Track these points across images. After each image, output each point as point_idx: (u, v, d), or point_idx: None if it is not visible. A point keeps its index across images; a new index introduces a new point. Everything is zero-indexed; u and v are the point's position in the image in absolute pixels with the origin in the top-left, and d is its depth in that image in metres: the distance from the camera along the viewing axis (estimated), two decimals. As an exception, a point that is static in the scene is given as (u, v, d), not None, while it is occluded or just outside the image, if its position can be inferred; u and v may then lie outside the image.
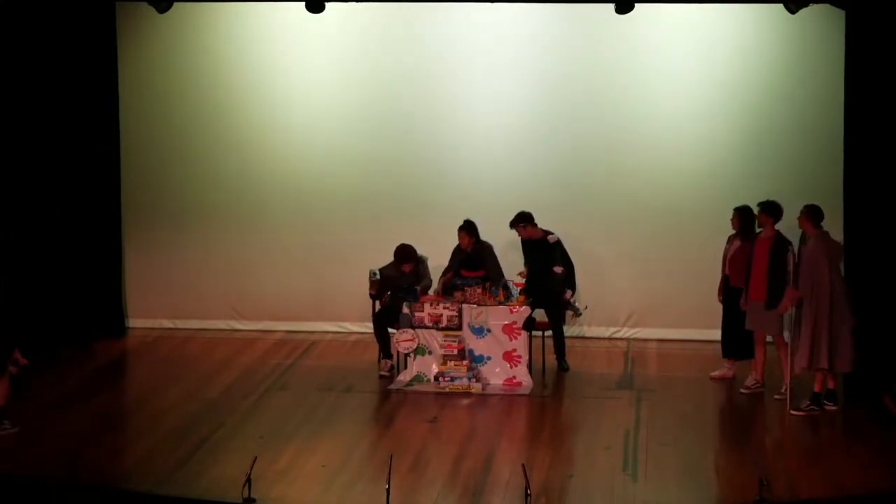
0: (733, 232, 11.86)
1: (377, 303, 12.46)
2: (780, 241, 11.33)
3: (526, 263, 12.42)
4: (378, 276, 12.35)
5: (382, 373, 12.32)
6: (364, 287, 12.59)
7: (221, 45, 13.80)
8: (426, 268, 12.49)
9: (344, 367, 12.58)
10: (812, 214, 10.90)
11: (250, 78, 13.80)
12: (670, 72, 13.26)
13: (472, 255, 12.38)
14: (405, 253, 12.32)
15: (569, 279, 12.25)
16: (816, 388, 10.96)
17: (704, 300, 12.44)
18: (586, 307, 12.70)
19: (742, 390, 11.67)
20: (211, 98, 13.87)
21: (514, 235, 12.71)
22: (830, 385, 11.03)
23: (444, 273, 12.49)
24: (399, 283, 12.32)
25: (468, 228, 12.38)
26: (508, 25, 13.37)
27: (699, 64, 13.24)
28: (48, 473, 9.49)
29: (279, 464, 9.80)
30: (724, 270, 11.90)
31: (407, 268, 12.31)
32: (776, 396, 11.34)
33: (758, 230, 11.59)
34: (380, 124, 13.69)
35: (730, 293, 11.79)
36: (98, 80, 13.46)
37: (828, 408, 10.98)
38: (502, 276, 12.36)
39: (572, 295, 12.31)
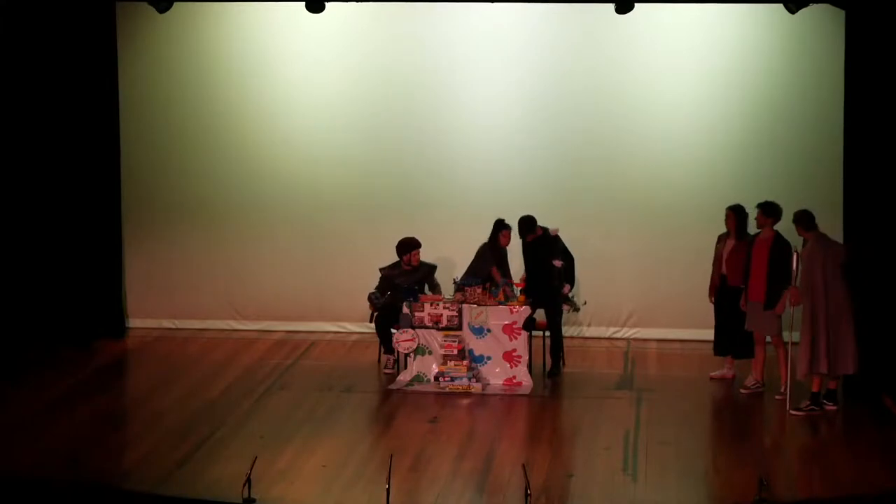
0: (724, 231, 11.89)
1: (374, 315, 12.46)
2: (780, 242, 11.33)
3: (525, 261, 12.38)
4: (380, 302, 12.35)
5: (386, 370, 12.34)
6: (364, 287, 12.59)
7: (221, 45, 13.80)
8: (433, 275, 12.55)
9: (344, 367, 12.59)
10: (802, 220, 10.94)
11: (250, 78, 13.79)
12: (670, 72, 13.26)
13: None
14: (409, 243, 12.32)
15: (568, 273, 12.24)
16: (814, 389, 10.97)
17: (704, 300, 12.42)
18: (584, 303, 12.69)
19: (742, 390, 11.67)
20: (211, 98, 13.87)
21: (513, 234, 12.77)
22: (831, 385, 11.04)
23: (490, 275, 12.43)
24: (401, 282, 12.31)
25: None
26: (508, 25, 13.37)
27: (699, 64, 13.24)
28: (48, 473, 9.49)
29: (279, 464, 9.80)
30: (718, 270, 11.93)
31: (412, 259, 12.28)
32: (776, 397, 11.35)
33: (757, 231, 11.60)
34: (380, 124, 13.69)
35: (727, 292, 11.79)
36: (98, 80, 13.45)
37: (828, 408, 10.99)
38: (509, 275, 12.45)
39: (570, 289, 12.29)
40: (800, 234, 11.02)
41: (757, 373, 11.69)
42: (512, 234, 12.33)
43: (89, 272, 13.56)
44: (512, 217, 12.31)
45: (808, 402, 10.97)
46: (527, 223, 12.12)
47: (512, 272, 12.62)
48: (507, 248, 12.56)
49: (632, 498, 9.19)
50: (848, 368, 10.88)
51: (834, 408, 11.01)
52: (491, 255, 12.40)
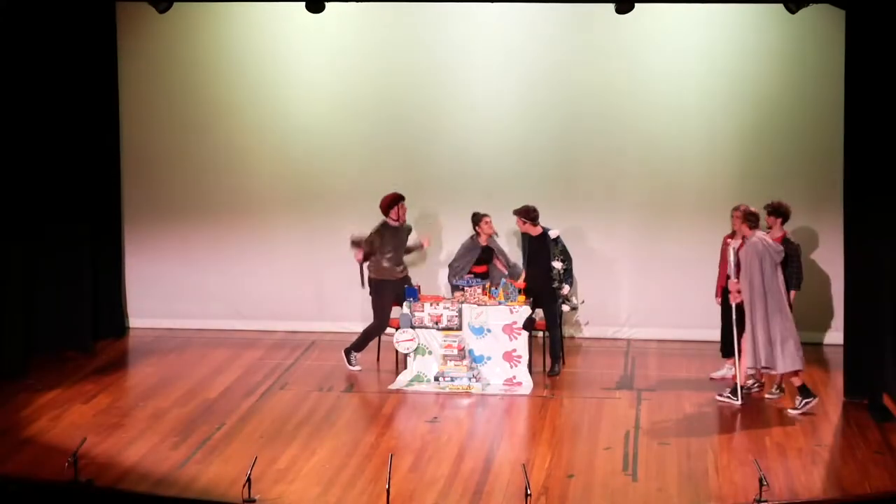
0: (729, 232, 11.90)
1: (365, 270, 12.47)
2: (787, 243, 11.36)
3: (524, 257, 12.42)
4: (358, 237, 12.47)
5: (352, 367, 12.46)
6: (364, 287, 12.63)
7: (221, 46, 13.80)
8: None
9: (344, 367, 12.58)
10: (750, 218, 11.12)
11: (250, 78, 13.80)
12: (670, 72, 13.26)
13: (485, 250, 12.50)
14: (395, 197, 12.38)
15: (567, 274, 12.25)
16: (797, 384, 11.07)
17: (705, 300, 12.45)
18: (583, 301, 12.76)
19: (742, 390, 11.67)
20: (211, 98, 13.87)
21: (513, 230, 12.81)
22: (797, 382, 11.14)
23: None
24: (399, 238, 12.39)
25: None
26: (508, 24, 13.35)
27: (699, 64, 13.23)
28: (48, 473, 9.49)
29: (279, 464, 9.81)
30: (724, 271, 11.92)
31: (400, 214, 12.37)
32: (766, 396, 11.46)
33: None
34: (380, 124, 13.69)
35: None
36: (98, 79, 13.45)
37: (811, 402, 11.08)
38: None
39: (569, 290, 12.30)
40: (742, 232, 11.17)
41: (757, 373, 11.68)
42: (502, 225, 12.39)
43: (90, 272, 13.54)
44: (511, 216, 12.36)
45: (800, 399, 11.03)
46: (527, 210, 12.12)
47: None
48: (500, 241, 12.69)
49: (632, 498, 9.20)
50: (789, 367, 11.03)
51: (814, 399, 11.09)
52: (475, 248, 12.49)
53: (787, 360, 10.98)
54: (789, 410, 11.04)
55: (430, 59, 13.54)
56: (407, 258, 12.73)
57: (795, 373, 11.06)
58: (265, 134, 13.87)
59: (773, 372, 11.12)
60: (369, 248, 12.39)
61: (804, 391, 11.05)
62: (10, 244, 12.36)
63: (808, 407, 10.99)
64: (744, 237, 11.15)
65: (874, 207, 11.08)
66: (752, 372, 11.28)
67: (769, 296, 10.98)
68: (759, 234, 11.12)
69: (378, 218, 12.58)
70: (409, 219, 12.77)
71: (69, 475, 9.11)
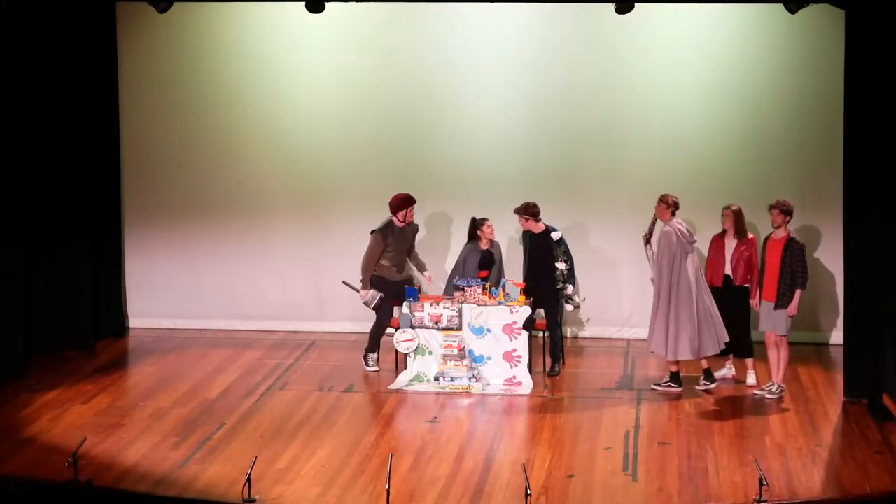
0: (720, 231, 11.91)
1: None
2: (792, 243, 11.35)
3: (526, 256, 12.40)
4: (373, 303, 12.43)
5: (369, 369, 12.43)
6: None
7: (221, 46, 13.79)
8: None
9: (344, 367, 12.59)
10: (674, 206, 11.62)
11: (250, 78, 13.79)
12: (671, 72, 13.26)
13: (486, 254, 12.47)
14: (406, 199, 12.38)
15: (569, 275, 12.24)
16: (672, 369, 11.67)
17: (704, 300, 12.44)
18: (584, 299, 12.82)
19: (756, 392, 11.65)
20: (211, 98, 13.86)
21: (513, 233, 12.78)
22: (673, 368, 11.66)
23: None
24: (403, 239, 12.37)
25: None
26: (509, 24, 13.34)
27: (699, 64, 13.23)
28: (48, 473, 9.49)
29: (279, 464, 9.81)
30: (712, 270, 11.90)
31: (407, 217, 12.36)
32: (755, 392, 11.55)
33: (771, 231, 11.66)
34: (381, 124, 13.69)
35: (733, 293, 11.76)
36: (98, 79, 13.45)
37: (672, 390, 11.66)
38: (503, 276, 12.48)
39: (572, 290, 12.30)
40: (662, 218, 11.63)
41: (771, 374, 11.69)
42: (503, 225, 12.39)
43: (90, 273, 13.54)
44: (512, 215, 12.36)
45: (667, 379, 11.73)
46: (527, 206, 12.12)
47: (512, 270, 12.64)
48: (498, 249, 12.64)
49: (632, 498, 9.20)
50: (686, 355, 11.45)
51: (678, 390, 11.64)
52: (476, 251, 12.45)
53: (680, 349, 11.43)
54: (653, 385, 11.73)
55: (430, 60, 13.53)
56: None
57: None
58: (265, 134, 13.86)
59: (670, 359, 11.59)
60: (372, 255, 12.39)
61: (674, 377, 11.64)
62: (10, 244, 12.36)
63: (667, 389, 11.62)
64: (661, 222, 11.64)
65: (874, 207, 11.09)
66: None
67: (675, 284, 11.39)
68: (675, 222, 11.51)
69: (378, 218, 12.56)
70: (418, 219, 12.76)
71: (69, 475, 9.13)
